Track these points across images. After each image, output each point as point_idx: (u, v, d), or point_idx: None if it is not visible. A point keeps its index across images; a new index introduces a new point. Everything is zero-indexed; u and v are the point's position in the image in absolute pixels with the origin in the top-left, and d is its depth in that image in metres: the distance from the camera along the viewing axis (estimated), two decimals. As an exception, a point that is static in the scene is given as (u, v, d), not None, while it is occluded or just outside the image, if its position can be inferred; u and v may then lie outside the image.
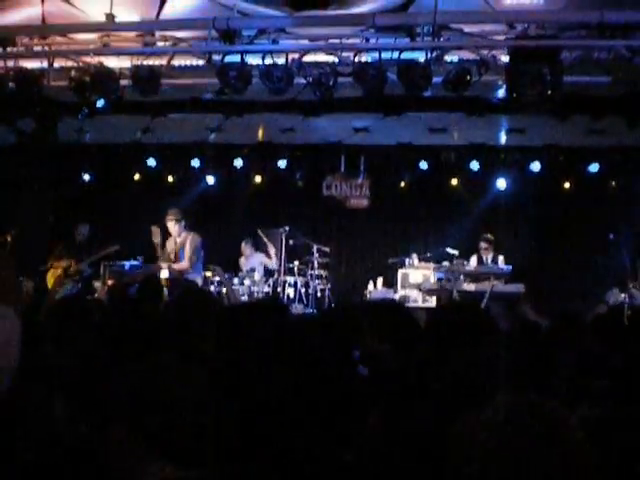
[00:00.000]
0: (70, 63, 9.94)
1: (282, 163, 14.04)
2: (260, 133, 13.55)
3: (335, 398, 2.79)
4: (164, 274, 11.17)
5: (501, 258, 12.46)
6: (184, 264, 11.43)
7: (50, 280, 12.21)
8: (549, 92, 8.69)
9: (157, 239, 11.39)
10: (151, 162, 14.45)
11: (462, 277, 12.00)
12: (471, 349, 3.11)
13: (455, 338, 3.25)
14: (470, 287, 11.84)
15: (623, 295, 10.97)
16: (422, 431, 2.79)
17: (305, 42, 9.28)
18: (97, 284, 12.09)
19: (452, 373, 2.99)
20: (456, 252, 12.45)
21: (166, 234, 11.65)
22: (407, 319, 4.38)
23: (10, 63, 9.94)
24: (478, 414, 1.72)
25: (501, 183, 13.68)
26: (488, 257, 12.54)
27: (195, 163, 14.34)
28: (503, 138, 13.11)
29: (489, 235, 12.63)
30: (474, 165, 13.41)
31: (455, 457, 1.71)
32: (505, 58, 8.84)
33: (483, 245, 12.55)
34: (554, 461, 1.61)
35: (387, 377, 3.46)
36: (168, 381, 2.44)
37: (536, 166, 13.25)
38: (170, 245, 11.61)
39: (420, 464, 2.70)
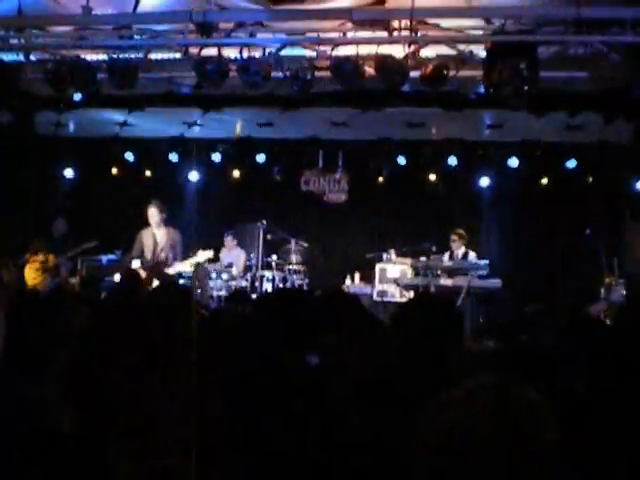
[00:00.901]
0: (47, 56, 9.88)
1: (260, 158, 14.03)
2: (238, 127, 13.54)
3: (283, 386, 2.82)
4: (135, 264, 11.17)
5: (472, 254, 12.46)
6: (178, 265, 11.42)
7: (28, 274, 12.14)
8: (526, 87, 8.72)
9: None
10: (129, 156, 14.40)
11: (439, 272, 12.01)
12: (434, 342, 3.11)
13: (420, 331, 3.24)
14: (447, 282, 11.84)
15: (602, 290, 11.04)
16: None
17: (283, 36, 9.26)
18: (73, 280, 12.03)
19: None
20: (434, 247, 12.46)
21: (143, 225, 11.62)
22: (356, 310, 4.40)
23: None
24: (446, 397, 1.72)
25: (479, 178, 13.72)
26: (459, 252, 12.54)
27: (173, 157, 14.31)
28: (481, 133, 13.15)
29: (460, 230, 12.65)
30: (452, 160, 13.45)
31: (421, 443, 1.71)
32: (482, 53, 8.87)
33: (454, 239, 12.57)
34: (515, 443, 1.62)
35: (337, 368, 3.47)
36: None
37: (514, 162, 13.31)
38: (148, 239, 11.51)
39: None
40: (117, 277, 10.72)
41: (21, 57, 9.97)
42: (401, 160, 13.61)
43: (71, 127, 13.56)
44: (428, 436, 1.69)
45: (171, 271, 11.36)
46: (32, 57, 9.99)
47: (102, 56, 9.76)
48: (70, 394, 3.41)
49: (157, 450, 2.75)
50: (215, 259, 12.64)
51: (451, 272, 11.99)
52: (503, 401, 1.66)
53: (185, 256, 11.64)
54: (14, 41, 9.85)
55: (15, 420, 3.03)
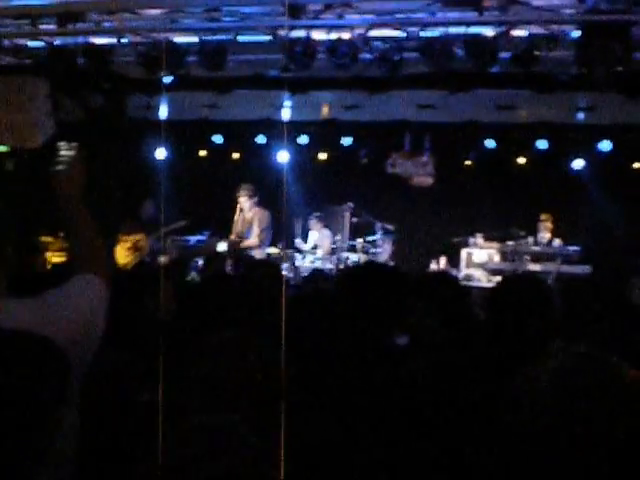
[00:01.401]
0: (139, 39, 10.04)
1: (347, 140, 14.02)
2: (325, 110, 13.55)
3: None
4: (221, 247, 11.41)
5: (557, 240, 12.25)
6: (252, 241, 11.64)
7: (119, 253, 12.41)
8: (619, 68, 8.52)
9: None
10: (217, 139, 14.55)
11: (527, 257, 11.87)
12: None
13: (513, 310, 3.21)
14: (535, 267, 11.71)
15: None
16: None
17: (371, 17, 9.20)
18: (162, 258, 12.28)
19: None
20: (522, 232, 12.30)
21: (237, 210, 11.91)
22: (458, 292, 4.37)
23: (79, 39, 10.11)
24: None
25: (569, 162, 13.46)
26: (545, 238, 12.36)
27: (260, 140, 14.40)
28: (572, 116, 12.87)
29: (546, 217, 12.44)
30: (542, 144, 13.21)
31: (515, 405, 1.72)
32: (575, 33, 8.68)
33: (543, 224, 12.39)
34: (605, 406, 1.63)
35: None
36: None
37: (606, 145, 13.01)
38: (240, 220, 11.84)
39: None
40: (201, 262, 10.90)
41: (113, 40, 10.15)
42: (489, 143, 13.43)
43: (161, 110, 13.73)
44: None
45: (258, 255, 11.55)
46: (124, 40, 10.16)
47: (192, 38, 9.87)
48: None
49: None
50: (303, 240, 12.80)
51: (540, 257, 11.83)
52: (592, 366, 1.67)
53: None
54: (106, 24, 10.05)
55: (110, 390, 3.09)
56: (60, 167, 2.88)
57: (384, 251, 12.81)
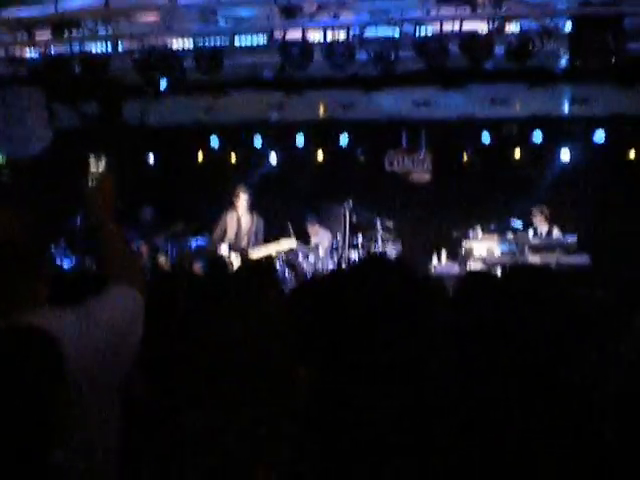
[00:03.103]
0: (134, 45, 10.09)
1: (343, 139, 14.06)
2: (321, 109, 13.60)
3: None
4: (224, 250, 11.50)
5: (556, 230, 12.32)
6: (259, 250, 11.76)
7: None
8: (613, 60, 8.60)
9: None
10: (214, 142, 14.58)
11: (527, 249, 11.93)
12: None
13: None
14: (535, 259, 11.77)
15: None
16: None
17: (366, 16, 9.28)
18: (162, 258, 12.35)
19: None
20: (520, 224, 12.37)
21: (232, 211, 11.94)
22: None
23: (75, 47, 10.15)
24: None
25: (565, 154, 13.51)
26: (543, 229, 12.42)
27: (257, 141, 14.44)
28: (566, 108, 12.94)
29: (543, 207, 12.51)
30: (537, 136, 13.28)
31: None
32: (568, 26, 8.76)
33: (537, 216, 12.44)
34: None
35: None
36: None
37: (600, 136, 13.08)
38: (234, 223, 11.86)
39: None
40: (199, 266, 10.94)
41: (109, 47, 10.20)
42: (485, 138, 13.49)
43: (157, 114, 13.78)
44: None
45: (254, 256, 11.63)
46: (119, 47, 10.21)
47: (188, 43, 9.93)
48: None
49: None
50: (303, 241, 12.84)
51: (538, 249, 11.90)
52: None
53: (267, 241, 11.95)
54: (102, 31, 10.10)
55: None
56: (92, 183, 2.90)
57: (391, 252, 12.86)
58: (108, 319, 2.44)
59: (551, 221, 12.42)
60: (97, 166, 2.97)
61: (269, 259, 11.70)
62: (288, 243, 12.00)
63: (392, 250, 12.91)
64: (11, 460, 2.01)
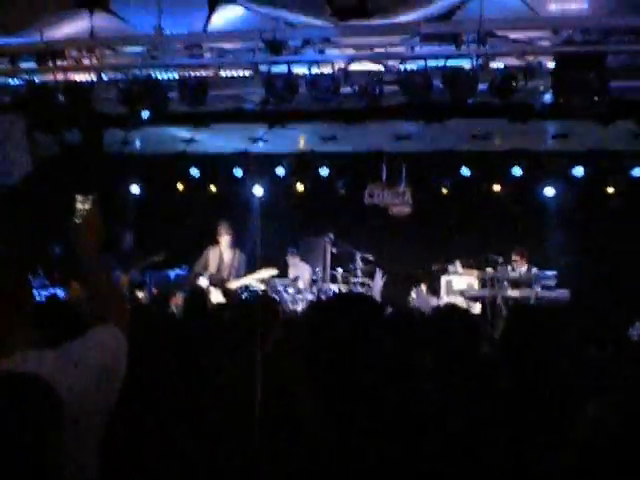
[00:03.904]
0: (119, 76, 10.10)
1: (324, 171, 14.11)
2: (302, 141, 13.65)
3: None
4: (203, 282, 11.48)
5: (535, 270, 12.33)
6: (243, 280, 11.78)
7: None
8: (595, 98, 8.69)
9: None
10: (194, 172, 14.59)
11: (506, 283, 11.98)
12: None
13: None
14: (515, 293, 11.82)
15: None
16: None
17: (351, 51, 9.35)
18: (140, 294, 12.25)
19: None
20: (500, 258, 12.41)
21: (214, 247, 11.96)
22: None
23: (59, 76, 10.14)
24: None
25: (544, 188, 13.62)
26: (522, 270, 12.44)
27: (237, 172, 14.46)
28: (546, 143, 13.07)
29: (521, 248, 12.54)
30: (516, 171, 13.38)
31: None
32: (551, 64, 8.85)
33: (515, 259, 12.45)
34: None
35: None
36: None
37: (579, 171, 13.20)
38: (216, 258, 11.89)
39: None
40: (179, 299, 10.87)
41: (93, 77, 10.20)
42: (465, 171, 13.58)
43: (138, 144, 13.78)
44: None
45: (233, 285, 11.65)
46: (104, 77, 10.21)
47: (173, 74, 9.95)
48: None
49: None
50: (282, 274, 12.82)
51: (518, 283, 11.96)
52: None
53: (248, 272, 11.95)
54: (86, 61, 10.10)
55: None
56: (77, 220, 2.91)
57: (375, 285, 12.88)
58: (86, 360, 2.42)
59: (530, 262, 12.44)
60: (84, 202, 2.98)
61: (246, 289, 11.77)
62: (267, 272, 12.02)
63: (372, 283, 12.95)
64: None
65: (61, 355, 2.38)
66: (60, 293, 11.19)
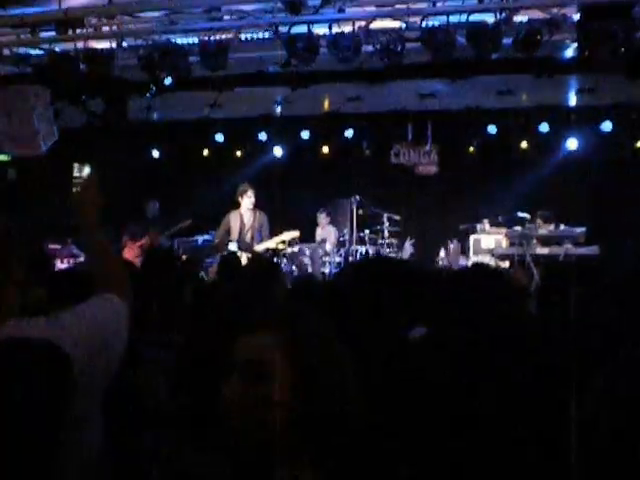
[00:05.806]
0: (139, 42, 10.05)
1: (349, 133, 14.02)
2: (326, 103, 13.56)
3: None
4: (232, 247, 11.46)
5: (563, 226, 12.20)
6: (268, 243, 11.74)
7: (127, 257, 12.38)
8: (622, 49, 8.51)
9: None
10: (219, 137, 14.56)
11: (535, 241, 11.88)
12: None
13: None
14: (543, 251, 11.72)
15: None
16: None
17: (372, 9, 9.21)
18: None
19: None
20: (528, 216, 12.30)
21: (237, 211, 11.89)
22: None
23: (79, 44, 10.11)
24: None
25: (571, 144, 13.46)
26: (550, 227, 12.30)
27: (262, 136, 14.41)
28: (573, 99, 12.88)
29: (544, 212, 12.39)
30: (543, 127, 13.22)
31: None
32: (576, 16, 8.68)
33: (539, 222, 12.33)
34: None
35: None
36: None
37: (607, 126, 13.02)
38: (238, 221, 11.81)
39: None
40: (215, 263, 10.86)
41: (113, 44, 10.16)
42: (491, 129, 13.44)
43: (162, 111, 13.75)
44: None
45: (258, 249, 11.62)
46: (124, 44, 10.16)
47: (193, 39, 9.88)
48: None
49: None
50: (308, 237, 12.79)
51: (547, 241, 11.85)
52: None
53: (273, 236, 11.92)
54: (106, 29, 10.05)
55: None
56: (77, 189, 2.88)
57: (405, 251, 12.83)
58: (79, 327, 2.38)
59: (557, 219, 12.30)
60: (80, 171, 2.95)
61: (272, 253, 11.74)
62: (291, 234, 11.98)
63: (411, 253, 12.89)
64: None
65: (51, 323, 2.36)
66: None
